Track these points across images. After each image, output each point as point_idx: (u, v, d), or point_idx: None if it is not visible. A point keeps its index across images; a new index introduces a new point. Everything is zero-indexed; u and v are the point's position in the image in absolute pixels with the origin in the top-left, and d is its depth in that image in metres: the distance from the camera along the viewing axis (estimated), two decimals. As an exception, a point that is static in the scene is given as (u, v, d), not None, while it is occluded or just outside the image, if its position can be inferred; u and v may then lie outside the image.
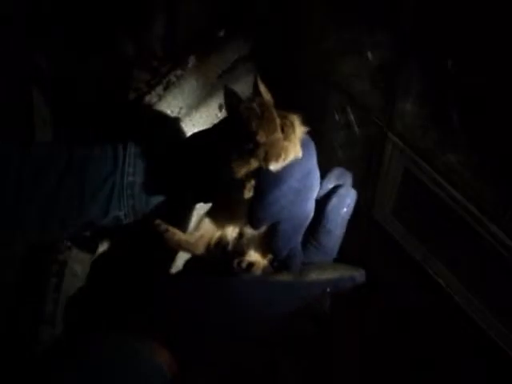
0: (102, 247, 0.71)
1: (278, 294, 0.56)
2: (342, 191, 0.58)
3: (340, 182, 0.60)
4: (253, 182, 0.53)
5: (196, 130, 0.82)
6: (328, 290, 0.57)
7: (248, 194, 0.53)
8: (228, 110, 0.55)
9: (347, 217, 0.59)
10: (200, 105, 0.80)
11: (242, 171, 0.52)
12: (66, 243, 0.64)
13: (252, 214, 0.54)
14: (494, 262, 0.72)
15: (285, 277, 0.57)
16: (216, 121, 0.83)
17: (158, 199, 0.61)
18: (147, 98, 0.72)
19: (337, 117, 0.85)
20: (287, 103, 0.79)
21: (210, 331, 0.54)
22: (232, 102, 0.54)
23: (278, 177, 0.52)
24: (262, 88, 0.54)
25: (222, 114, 0.83)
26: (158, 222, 0.57)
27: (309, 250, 0.58)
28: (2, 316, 0.58)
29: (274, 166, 0.51)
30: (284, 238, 0.56)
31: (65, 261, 0.63)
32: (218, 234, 0.58)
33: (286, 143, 0.51)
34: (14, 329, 0.58)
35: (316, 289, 0.57)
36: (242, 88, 0.82)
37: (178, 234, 0.56)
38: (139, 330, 0.54)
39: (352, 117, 0.82)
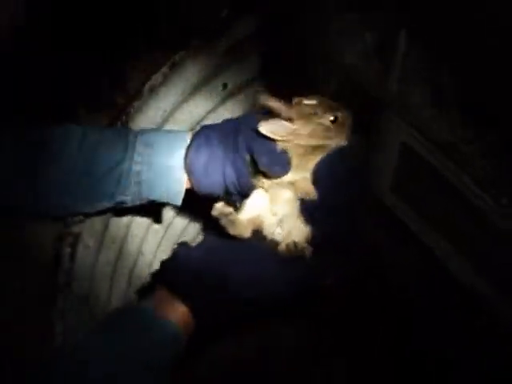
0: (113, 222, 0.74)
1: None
2: None
3: None
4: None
5: (199, 108, 0.84)
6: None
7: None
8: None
9: None
10: (203, 84, 0.82)
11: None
12: (79, 217, 0.66)
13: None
14: (490, 233, 0.74)
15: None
16: (219, 99, 0.85)
17: (163, 189, 0.63)
18: (153, 78, 0.74)
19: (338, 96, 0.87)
20: (289, 82, 0.82)
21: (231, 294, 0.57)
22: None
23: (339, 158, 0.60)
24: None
25: (225, 93, 0.85)
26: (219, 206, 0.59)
27: None
28: (22, 285, 0.61)
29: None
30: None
31: (79, 233, 0.65)
32: (260, 218, 0.60)
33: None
34: (32, 297, 0.61)
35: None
36: (248, 66, 0.84)
37: (233, 214, 0.59)
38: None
39: (354, 96, 0.84)
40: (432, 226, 0.85)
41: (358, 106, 0.83)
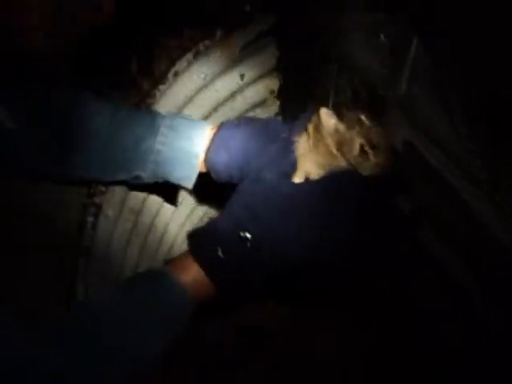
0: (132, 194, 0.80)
1: None
2: None
3: None
4: None
5: (219, 96, 0.89)
6: None
7: None
8: None
9: None
10: (223, 73, 0.87)
11: None
12: (101, 188, 0.72)
13: None
14: (487, 237, 0.77)
15: None
16: (237, 87, 0.90)
17: (178, 171, 0.68)
18: (178, 64, 0.79)
19: (348, 94, 0.91)
20: (303, 80, 0.86)
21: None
22: None
23: None
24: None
25: (242, 83, 0.90)
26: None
27: None
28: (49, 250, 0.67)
29: None
30: None
31: (100, 204, 0.71)
32: None
33: None
34: (57, 260, 0.67)
35: None
36: (263, 59, 0.89)
37: None
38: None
39: (363, 94, 0.89)
40: (431, 228, 0.88)
41: (367, 104, 0.88)
